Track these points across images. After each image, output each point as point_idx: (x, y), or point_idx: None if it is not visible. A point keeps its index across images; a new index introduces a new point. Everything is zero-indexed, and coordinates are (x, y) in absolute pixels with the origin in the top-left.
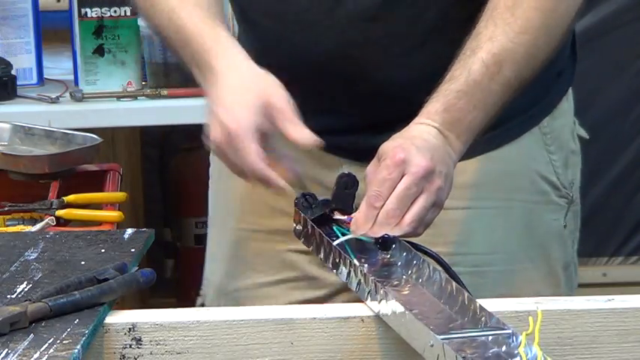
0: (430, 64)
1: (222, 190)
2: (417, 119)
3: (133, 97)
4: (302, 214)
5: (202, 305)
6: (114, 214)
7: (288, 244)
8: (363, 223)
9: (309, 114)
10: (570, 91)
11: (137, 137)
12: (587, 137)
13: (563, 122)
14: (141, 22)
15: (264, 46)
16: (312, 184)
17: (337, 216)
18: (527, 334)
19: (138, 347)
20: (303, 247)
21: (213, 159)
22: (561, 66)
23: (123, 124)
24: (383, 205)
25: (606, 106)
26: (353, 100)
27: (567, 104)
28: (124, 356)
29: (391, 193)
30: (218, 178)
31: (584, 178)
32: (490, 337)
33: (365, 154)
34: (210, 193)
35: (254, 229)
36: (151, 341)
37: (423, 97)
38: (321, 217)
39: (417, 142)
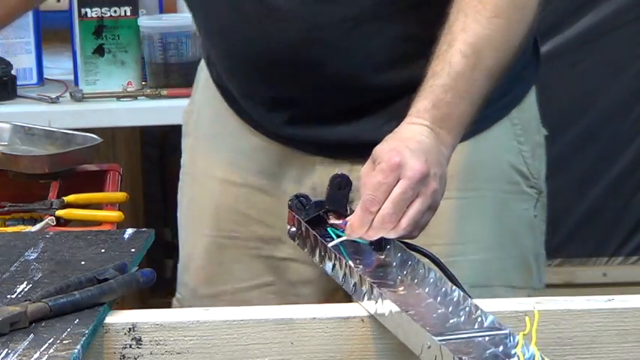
0: (394, 47)
1: (197, 196)
2: (407, 119)
3: (133, 97)
4: (296, 216)
5: None
6: (114, 214)
7: (265, 250)
8: (358, 228)
9: (277, 106)
10: (534, 87)
11: (137, 137)
12: (546, 133)
13: (531, 115)
14: (141, 22)
15: (224, 40)
16: (288, 183)
17: (332, 220)
18: (524, 335)
19: (138, 347)
20: (279, 253)
21: (185, 163)
22: (525, 61)
23: (123, 124)
24: (379, 210)
25: (606, 106)
26: (319, 87)
27: (533, 98)
28: (124, 356)
29: (387, 197)
30: (191, 184)
31: (584, 178)
32: (487, 338)
33: (337, 149)
34: (182, 197)
35: (230, 236)
36: (151, 341)
37: (388, 81)
38: (314, 219)
39: (411, 145)
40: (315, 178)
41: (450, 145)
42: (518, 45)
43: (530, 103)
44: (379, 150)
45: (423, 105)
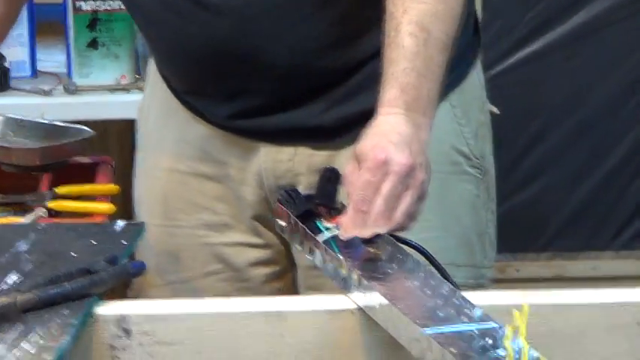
0: (329, 31)
1: (147, 188)
2: (380, 111)
3: (126, 90)
4: (285, 210)
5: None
6: (105, 207)
7: (213, 237)
8: (352, 228)
9: (218, 100)
10: (480, 66)
11: (130, 130)
12: (498, 112)
13: (472, 96)
14: None
15: (161, 37)
16: (233, 168)
17: (325, 223)
18: (513, 328)
19: (127, 338)
20: (227, 239)
21: (138, 160)
22: (464, 43)
23: (116, 116)
24: (370, 208)
25: (598, 102)
26: (258, 78)
27: (475, 78)
28: (113, 347)
29: (377, 194)
30: (143, 178)
31: (576, 172)
32: (476, 331)
33: (282, 135)
34: (136, 192)
35: (179, 225)
36: (140, 332)
37: (327, 66)
38: (304, 212)
39: (393, 138)
40: (261, 162)
41: (426, 127)
42: (460, 12)
43: (471, 84)
44: (362, 148)
45: (392, 94)
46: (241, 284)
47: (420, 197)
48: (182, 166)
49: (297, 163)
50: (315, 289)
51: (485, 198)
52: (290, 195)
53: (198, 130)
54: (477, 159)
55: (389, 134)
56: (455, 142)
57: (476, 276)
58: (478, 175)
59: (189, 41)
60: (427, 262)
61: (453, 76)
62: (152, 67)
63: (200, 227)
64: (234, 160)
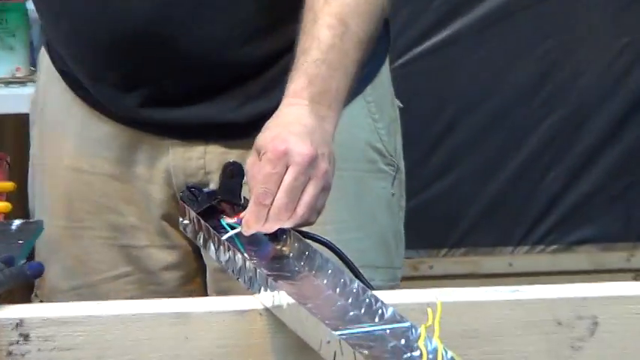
0: (249, 21)
1: (48, 187)
2: (284, 101)
3: (22, 83)
4: (187, 208)
5: None
6: (1, 205)
7: (120, 239)
8: (254, 223)
9: (128, 88)
10: (387, 61)
11: (26, 125)
12: (402, 106)
13: (384, 91)
14: (29, 6)
15: (68, 23)
16: (140, 167)
17: (229, 220)
18: (426, 327)
19: (25, 343)
20: (136, 241)
21: (34, 153)
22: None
23: (11, 111)
24: (273, 201)
25: (510, 91)
26: (172, 67)
27: (386, 73)
28: (10, 353)
29: (279, 187)
30: (42, 174)
31: (488, 165)
32: (388, 331)
33: (192, 131)
34: (34, 189)
35: (84, 227)
36: (39, 337)
37: (244, 57)
38: (207, 210)
39: (294, 129)
40: (169, 160)
41: (332, 120)
42: (381, 11)
43: (383, 79)
44: (262, 140)
45: (298, 84)
46: (153, 287)
47: (324, 188)
48: (85, 165)
49: (208, 162)
50: (225, 292)
51: (399, 196)
52: (192, 192)
53: (101, 127)
54: (391, 155)
55: (290, 125)
56: (370, 139)
57: (392, 277)
58: (392, 173)
59: (106, 25)
60: (337, 259)
61: (367, 70)
62: (44, 63)
63: (107, 229)
64: (141, 158)
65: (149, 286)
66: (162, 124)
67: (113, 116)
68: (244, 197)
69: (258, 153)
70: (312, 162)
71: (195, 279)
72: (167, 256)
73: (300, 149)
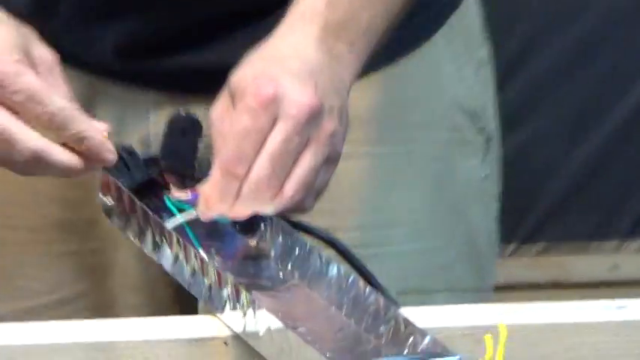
0: None
1: None
2: (286, 23)
3: None
4: (114, 181)
5: None
6: None
7: (68, 243)
8: (218, 201)
9: (101, 20)
10: None
11: None
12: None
13: (472, 20)
14: None
15: None
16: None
17: (175, 197)
18: None
19: None
20: (92, 245)
21: None
22: None
23: None
24: (249, 172)
25: None
26: None
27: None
28: None
29: (260, 150)
30: None
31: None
32: None
33: (183, 83)
34: None
35: (11, 226)
36: None
37: None
38: (145, 185)
39: (290, 65)
40: (150, 127)
41: (351, 67)
42: None
43: (470, 4)
44: (241, 77)
45: (310, 3)
46: (113, 314)
47: (330, 159)
48: None
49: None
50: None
51: (493, 179)
52: (123, 158)
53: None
54: (483, 117)
55: (285, 60)
56: (456, 93)
57: (481, 300)
58: (484, 144)
59: None
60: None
61: None
62: None
63: (48, 229)
64: (104, 120)
65: (112, 311)
66: (141, 73)
67: (70, 61)
68: (202, 163)
69: (233, 97)
70: (313, 117)
71: (175, 306)
72: (138, 269)
73: (297, 96)
